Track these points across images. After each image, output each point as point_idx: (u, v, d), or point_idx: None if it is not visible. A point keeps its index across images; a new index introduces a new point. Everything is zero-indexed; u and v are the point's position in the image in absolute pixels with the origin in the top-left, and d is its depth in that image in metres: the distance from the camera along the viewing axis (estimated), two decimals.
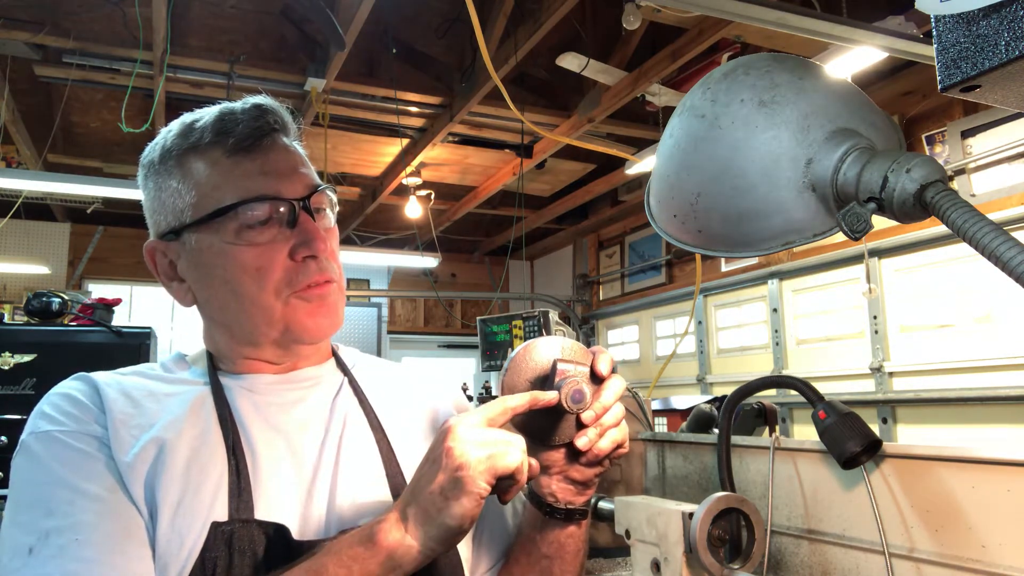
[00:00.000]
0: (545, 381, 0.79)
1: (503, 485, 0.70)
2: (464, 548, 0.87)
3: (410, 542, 0.68)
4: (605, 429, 0.79)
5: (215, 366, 0.88)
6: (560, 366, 0.77)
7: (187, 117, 0.87)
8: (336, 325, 0.87)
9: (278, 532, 0.75)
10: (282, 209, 0.83)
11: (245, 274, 0.81)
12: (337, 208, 0.93)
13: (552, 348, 0.81)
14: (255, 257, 0.81)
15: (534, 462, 0.73)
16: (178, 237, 0.85)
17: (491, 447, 0.69)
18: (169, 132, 0.87)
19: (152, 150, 0.88)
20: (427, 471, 0.70)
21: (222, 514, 0.74)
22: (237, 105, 0.86)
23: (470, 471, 0.67)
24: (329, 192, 0.90)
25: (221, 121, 0.84)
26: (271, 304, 0.82)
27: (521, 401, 0.75)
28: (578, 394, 0.75)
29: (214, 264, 0.83)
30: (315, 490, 0.80)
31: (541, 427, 0.80)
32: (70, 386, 0.81)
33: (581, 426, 0.79)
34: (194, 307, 0.89)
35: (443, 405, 0.98)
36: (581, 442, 0.79)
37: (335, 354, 0.98)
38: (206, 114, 0.86)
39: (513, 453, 0.69)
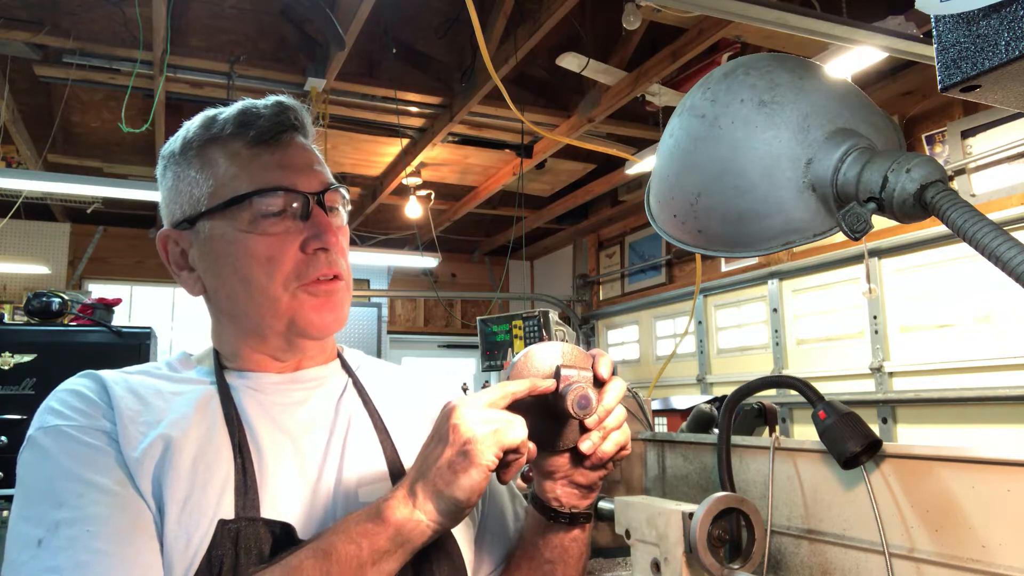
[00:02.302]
0: None
1: (506, 460, 0.71)
2: (467, 550, 0.87)
3: (419, 517, 0.69)
4: (608, 432, 0.80)
5: (221, 365, 0.89)
6: (564, 372, 0.77)
7: (209, 111, 0.90)
8: (340, 322, 0.88)
9: (284, 531, 0.75)
10: (296, 203, 0.85)
11: (256, 263, 0.83)
12: (349, 208, 0.95)
13: (553, 353, 0.81)
14: (267, 247, 0.83)
15: (532, 445, 0.74)
16: (192, 226, 0.86)
17: (495, 423, 0.70)
18: (192, 124, 0.90)
19: (173, 141, 0.91)
20: (433, 448, 0.72)
21: (228, 512, 0.74)
22: (260, 101, 0.89)
23: (478, 444, 0.68)
24: (343, 191, 0.91)
25: (243, 114, 0.87)
26: (279, 295, 0.83)
27: (521, 387, 0.75)
28: (584, 399, 0.75)
29: (226, 253, 0.84)
30: (320, 490, 0.81)
31: (545, 433, 0.80)
32: (77, 383, 0.82)
33: (584, 430, 0.79)
34: (201, 300, 0.91)
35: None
36: (585, 446, 0.79)
37: (340, 355, 0.98)
38: (229, 109, 0.89)
39: (517, 428, 0.71)
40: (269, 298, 0.83)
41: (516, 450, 0.71)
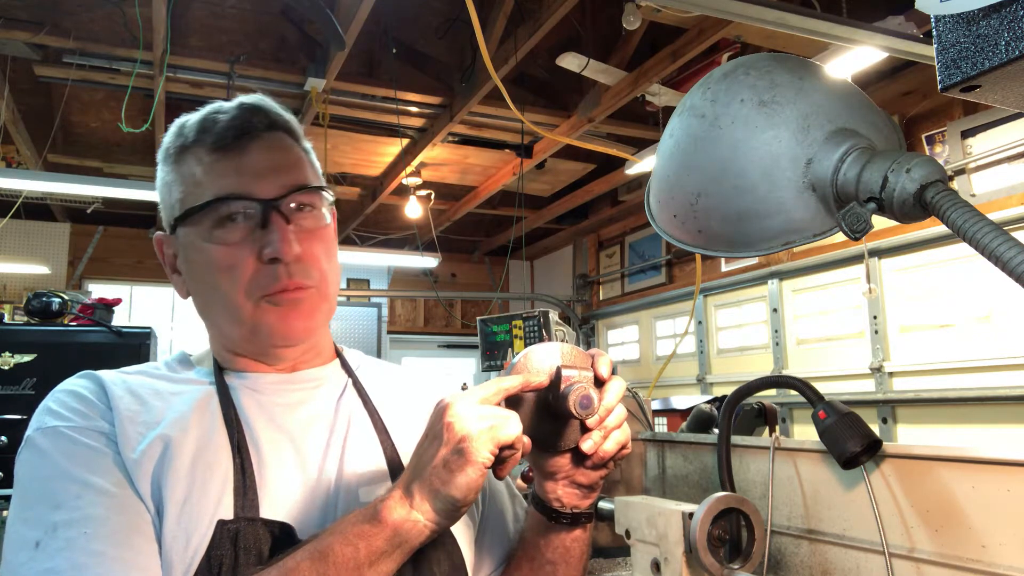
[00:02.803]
0: (550, 388, 0.79)
1: (502, 456, 0.71)
2: (467, 550, 0.87)
3: (415, 517, 0.69)
4: (609, 431, 0.79)
5: (220, 366, 0.89)
6: (565, 372, 0.77)
7: (182, 117, 0.90)
8: (311, 330, 0.86)
9: (283, 531, 0.75)
10: (252, 211, 0.83)
11: (218, 272, 0.83)
12: (331, 206, 0.91)
13: (552, 354, 0.80)
14: (225, 256, 0.82)
15: (527, 439, 0.73)
16: (174, 231, 0.87)
17: (490, 419, 0.69)
18: (170, 130, 0.90)
19: (161, 146, 0.92)
20: (428, 447, 0.71)
21: (228, 512, 0.74)
22: (226, 104, 0.88)
23: (473, 442, 0.68)
24: (325, 194, 0.89)
25: (204, 120, 0.86)
26: (241, 304, 0.83)
27: (514, 383, 0.75)
28: (586, 399, 0.75)
29: (195, 260, 0.85)
30: (319, 490, 0.81)
31: (546, 433, 0.79)
32: (76, 383, 0.82)
33: (585, 430, 0.79)
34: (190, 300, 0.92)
35: None
36: (586, 446, 0.78)
37: (340, 355, 0.98)
38: (195, 114, 0.89)
39: (512, 424, 0.70)
40: (233, 307, 0.83)
41: (511, 446, 0.70)
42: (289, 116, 0.92)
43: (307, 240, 0.85)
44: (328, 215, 0.90)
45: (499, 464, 0.71)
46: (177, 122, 0.89)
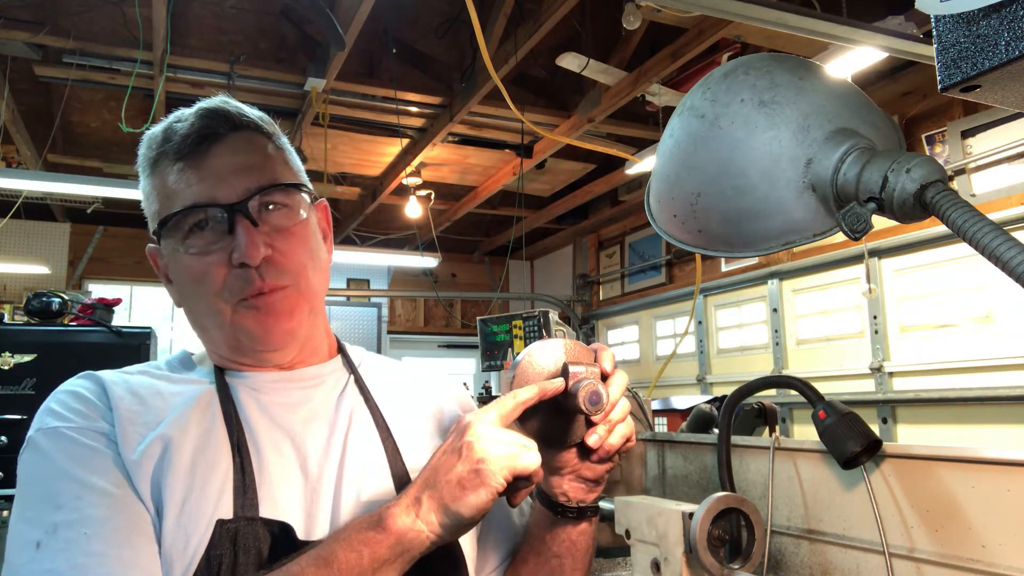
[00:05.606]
0: None
1: (516, 485, 0.72)
2: (469, 548, 0.87)
3: (420, 527, 0.69)
4: (614, 425, 0.80)
5: (220, 365, 0.88)
6: (572, 369, 0.77)
7: (153, 127, 0.89)
8: (292, 331, 0.85)
9: (283, 530, 0.75)
10: (216, 217, 0.82)
11: (193, 281, 0.83)
12: (308, 202, 0.89)
13: (556, 350, 0.80)
14: (198, 265, 0.83)
15: (541, 473, 0.74)
16: (159, 242, 0.87)
17: (511, 447, 0.71)
18: (142, 141, 0.90)
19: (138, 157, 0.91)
20: (445, 461, 0.71)
21: (227, 512, 0.74)
22: (187, 111, 0.87)
23: (490, 465, 0.69)
24: (302, 191, 0.88)
25: (166, 130, 0.86)
26: (220, 310, 0.83)
27: (530, 394, 0.75)
28: (595, 396, 0.75)
29: (175, 270, 0.86)
30: (320, 488, 0.81)
31: (552, 429, 0.80)
32: (77, 384, 0.82)
33: (590, 424, 0.79)
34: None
35: (448, 404, 0.98)
36: (592, 440, 0.79)
37: (342, 351, 0.98)
38: (160, 124, 0.88)
39: (531, 455, 0.71)
40: (213, 314, 0.83)
41: (527, 477, 0.71)
42: (257, 114, 0.90)
43: (280, 239, 0.84)
44: (305, 211, 0.88)
45: (512, 492, 0.72)
46: (147, 133, 0.89)
